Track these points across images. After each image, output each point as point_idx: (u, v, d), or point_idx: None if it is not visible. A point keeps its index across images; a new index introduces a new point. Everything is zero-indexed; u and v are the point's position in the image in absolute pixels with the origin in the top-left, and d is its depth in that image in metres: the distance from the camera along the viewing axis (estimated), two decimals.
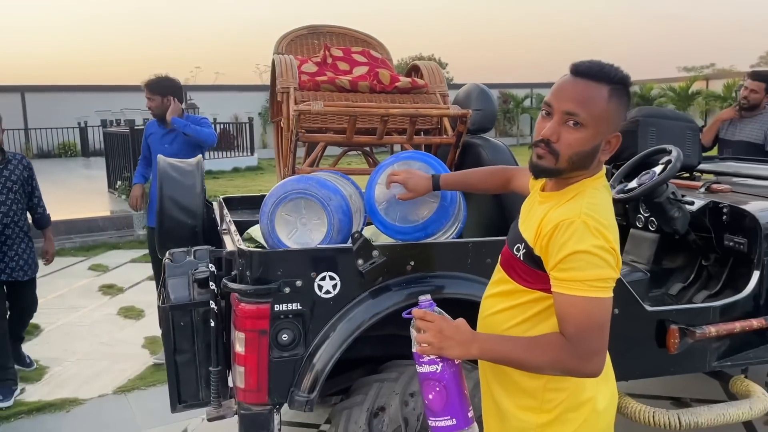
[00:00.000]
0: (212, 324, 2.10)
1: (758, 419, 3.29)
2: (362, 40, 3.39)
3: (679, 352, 2.40)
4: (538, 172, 1.43)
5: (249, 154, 16.38)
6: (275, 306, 1.96)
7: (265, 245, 2.20)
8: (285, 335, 1.99)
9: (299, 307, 1.99)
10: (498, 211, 2.52)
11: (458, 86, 3.05)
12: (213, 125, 4.84)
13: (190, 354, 2.16)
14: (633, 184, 2.79)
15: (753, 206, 2.71)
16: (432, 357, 1.45)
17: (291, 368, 2.02)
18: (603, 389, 1.50)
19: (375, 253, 2.00)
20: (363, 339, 2.09)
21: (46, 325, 4.80)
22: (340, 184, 2.30)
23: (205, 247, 2.33)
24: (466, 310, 1.68)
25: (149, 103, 4.15)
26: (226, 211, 2.75)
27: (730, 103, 4.80)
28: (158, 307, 2.25)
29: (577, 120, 1.35)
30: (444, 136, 2.79)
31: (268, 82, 3.48)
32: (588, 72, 1.36)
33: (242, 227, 2.76)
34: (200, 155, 3.45)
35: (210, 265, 2.13)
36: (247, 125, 16.83)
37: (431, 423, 1.49)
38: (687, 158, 3.20)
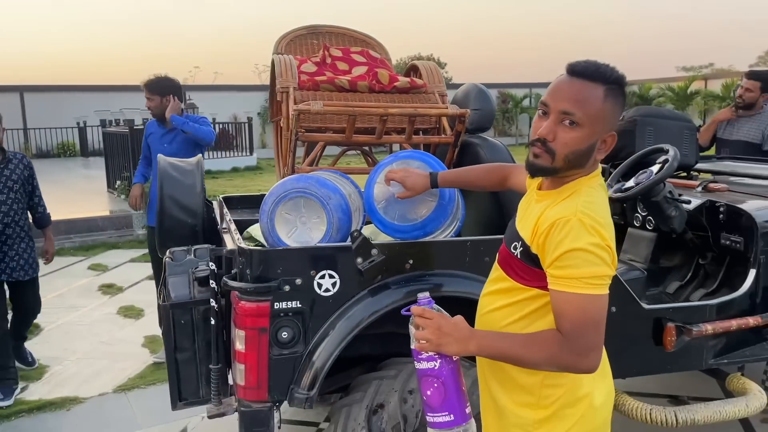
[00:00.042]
0: (212, 322, 2.11)
1: (755, 417, 3.32)
2: (361, 40, 3.41)
3: (675, 349, 2.41)
4: (534, 171, 1.45)
5: (248, 154, 16.38)
6: (275, 304, 1.98)
7: (265, 244, 2.22)
8: (285, 333, 2.00)
9: (299, 305, 2.01)
10: (496, 210, 2.54)
11: (457, 86, 3.07)
12: (212, 125, 4.86)
13: (191, 352, 2.17)
14: (630, 183, 2.80)
15: (749, 205, 2.73)
16: (430, 354, 1.47)
17: (291, 366, 2.03)
18: (600, 385, 1.51)
19: (374, 251, 2.01)
20: (362, 337, 2.10)
21: (46, 324, 4.81)
22: (340, 183, 2.31)
23: (206, 245, 2.34)
24: (465, 308, 1.69)
25: (148, 103, 4.17)
26: (226, 210, 2.77)
27: (728, 103, 4.81)
28: (159, 305, 2.27)
29: (573, 119, 1.36)
30: (442, 136, 2.81)
31: (267, 82, 3.50)
32: (584, 72, 1.38)
33: (242, 226, 2.78)
34: (200, 155, 3.46)
35: (210, 263, 2.14)
36: (246, 125, 16.83)
37: (429, 419, 1.51)
38: (684, 157, 3.21)
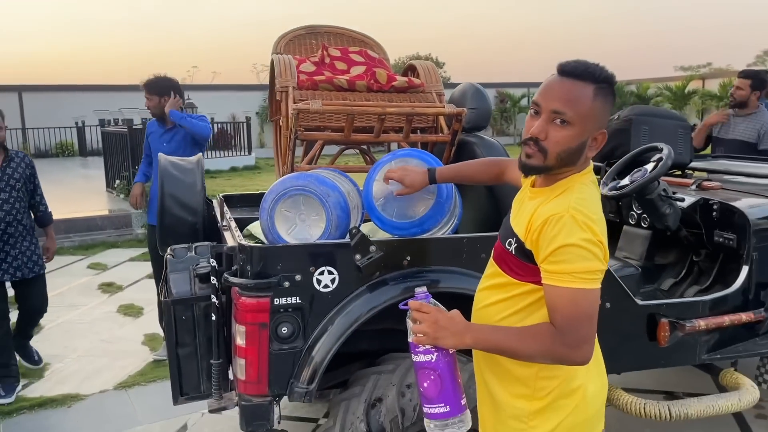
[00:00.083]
0: (213, 318, 2.14)
1: (749, 412, 3.36)
2: (359, 40, 3.44)
3: (669, 345, 2.45)
4: (527, 170, 1.49)
5: (246, 153, 16.41)
6: (275, 300, 2.01)
7: (265, 241, 2.25)
8: (285, 328, 2.04)
9: (298, 301, 2.04)
10: (492, 208, 2.58)
11: (455, 85, 3.10)
12: (211, 124, 4.89)
13: (192, 347, 2.20)
14: (625, 181, 2.84)
15: (742, 203, 2.78)
16: (427, 347, 1.50)
17: (291, 360, 2.07)
18: (593, 377, 1.55)
19: (372, 248, 2.05)
20: (361, 333, 2.13)
21: (46, 322, 4.83)
22: (338, 181, 2.35)
23: (206, 243, 2.38)
24: (462, 303, 1.73)
25: (148, 102, 4.22)
26: (226, 208, 2.80)
27: (726, 103, 4.87)
28: (161, 301, 2.30)
29: (564, 118, 1.40)
30: (440, 134, 2.84)
31: (265, 82, 3.53)
32: (574, 72, 1.42)
33: (242, 224, 2.81)
34: (200, 153, 3.50)
35: (211, 260, 2.18)
36: (245, 125, 16.85)
37: (426, 410, 1.54)
38: (679, 156, 3.25)
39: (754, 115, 4.58)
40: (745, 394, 2.56)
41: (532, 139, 1.43)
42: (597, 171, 3.52)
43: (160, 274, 3.60)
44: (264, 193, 2.24)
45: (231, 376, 2.28)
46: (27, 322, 3.95)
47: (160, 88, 4.17)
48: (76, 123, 18.47)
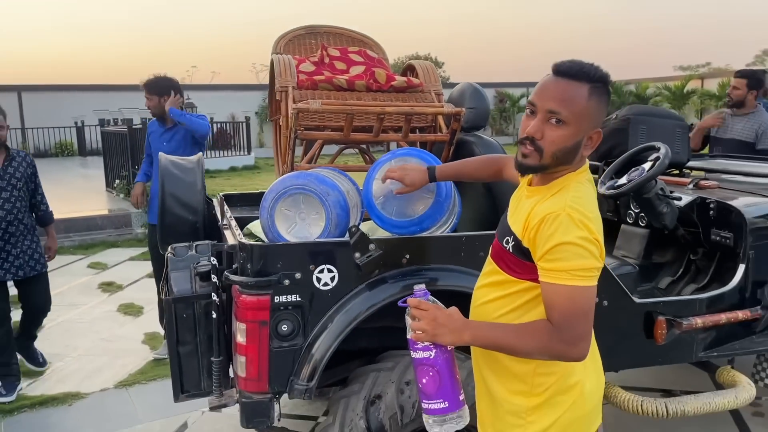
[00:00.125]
0: (214, 316, 2.16)
1: (746, 410, 3.38)
2: (359, 40, 3.46)
3: (666, 342, 2.47)
4: (524, 170, 1.51)
5: (246, 153, 16.41)
6: (275, 297, 2.03)
7: (265, 240, 2.27)
8: (285, 326, 2.05)
9: (298, 299, 2.06)
10: (491, 206, 2.59)
11: (454, 85, 3.12)
12: (210, 123, 4.91)
13: (193, 345, 2.22)
14: (623, 180, 2.86)
15: (739, 202, 2.79)
16: (426, 343, 1.52)
17: (290, 358, 2.08)
18: (590, 373, 1.57)
19: (371, 246, 2.06)
20: (360, 331, 2.15)
21: (46, 321, 4.79)
22: (338, 180, 2.36)
23: (207, 242, 2.39)
24: (461, 301, 1.74)
25: (148, 102, 4.24)
26: (226, 207, 2.82)
27: (724, 102, 4.91)
28: (161, 299, 2.32)
29: (560, 118, 1.42)
30: (438, 134, 2.86)
31: (264, 82, 3.55)
32: (569, 71, 1.43)
33: (242, 223, 2.83)
34: (200, 153, 3.51)
35: (212, 258, 2.19)
36: (244, 124, 16.85)
37: (425, 405, 1.56)
38: (676, 155, 3.27)
39: (752, 115, 4.60)
40: (742, 391, 2.58)
41: (528, 139, 1.45)
42: (595, 170, 3.55)
43: (160, 273, 3.61)
44: (264, 193, 2.26)
45: (231, 374, 2.30)
46: (30, 322, 3.94)
47: (160, 88, 4.19)
48: (76, 123, 18.47)
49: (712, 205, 2.83)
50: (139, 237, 7.99)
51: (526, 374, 1.54)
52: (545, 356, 1.45)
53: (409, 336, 1.55)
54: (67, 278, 6.21)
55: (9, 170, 3.63)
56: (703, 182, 3.14)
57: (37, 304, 3.88)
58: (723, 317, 2.56)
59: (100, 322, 5.00)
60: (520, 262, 1.50)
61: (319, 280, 2.08)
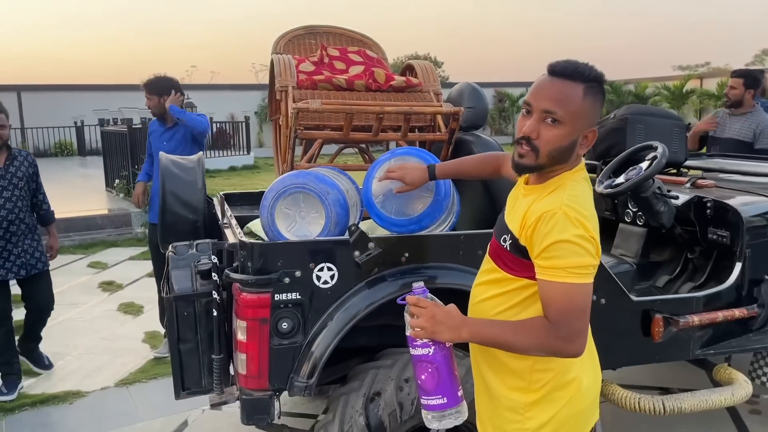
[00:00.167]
0: (215, 313, 2.18)
1: (744, 408, 3.40)
2: (358, 40, 3.47)
3: (663, 340, 2.49)
4: (520, 170, 1.53)
5: (245, 153, 16.41)
6: (275, 295, 2.05)
7: (265, 238, 2.29)
8: (285, 323, 2.07)
9: (298, 297, 2.08)
10: (489, 205, 2.61)
11: (454, 84, 3.13)
12: (210, 123, 4.93)
13: (193, 343, 2.24)
14: (620, 179, 2.88)
15: (736, 201, 2.82)
16: (425, 340, 1.54)
17: (291, 355, 2.10)
18: (587, 370, 1.59)
19: (371, 245, 2.08)
20: (359, 329, 2.17)
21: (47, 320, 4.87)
22: (337, 179, 2.38)
23: (207, 240, 2.41)
24: (459, 299, 1.76)
25: (148, 102, 4.27)
26: (226, 206, 2.84)
27: (723, 102, 4.95)
28: (163, 298, 2.33)
29: (555, 117, 1.44)
30: (437, 133, 2.88)
31: (263, 81, 3.56)
32: (563, 72, 1.45)
33: (242, 222, 2.84)
34: (201, 152, 3.53)
35: (212, 257, 2.21)
36: (244, 124, 16.85)
37: (424, 401, 1.58)
38: (674, 155, 3.30)
39: (750, 114, 4.61)
40: (738, 388, 2.60)
41: (525, 139, 1.47)
42: (593, 169, 3.57)
43: (161, 272, 3.62)
44: (264, 192, 2.28)
45: (232, 371, 2.32)
46: (34, 321, 3.92)
47: (160, 88, 4.22)
48: (75, 123, 18.48)
49: (709, 204, 2.85)
50: (139, 236, 8.01)
51: (524, 370, 1.55)
52: (542, 352, 1.47)
53: (408, 333, 1.57)
54: (67, 277, 6.22)
55: (11, 170, 3.64)
56: (700, 181, 3.16)
57: (41, 303, 3.87)
58: (720, 315, 2.58)
59: (100, 321, 5.02)
60: (518, 260, 1.51)
61: (318, 278, 2.09)
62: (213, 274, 2.18)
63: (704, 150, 4.87)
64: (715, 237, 2.83)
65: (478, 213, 2.74)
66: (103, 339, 4.63)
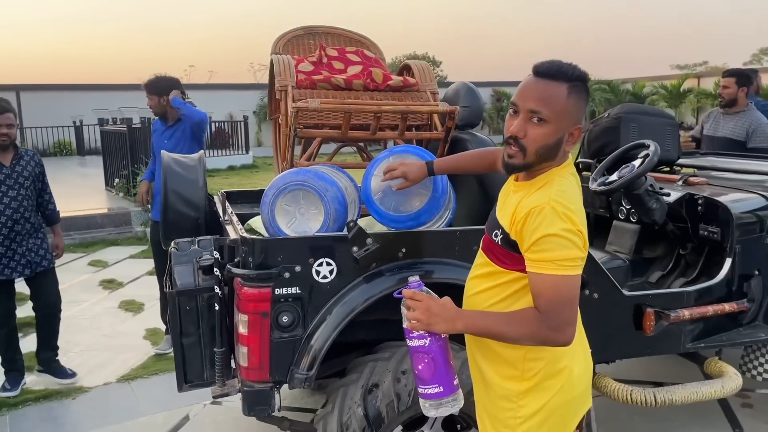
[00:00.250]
0: (216, 308, 2.23)
1: (735, 402, 3.46)
2: (356, 41, 3.52)
3: (654, 334, 2.55)
4: (510, 169, 1.59)
5: (244, 152, 16.44)
6: (276, 290, 2.10)
7: (266, 234, 2.34)
8: (285, 317, 2.13)
9: (298, 291, 2.13)
10: (484, 202, 2.66)
11: (451, 84, 3.19)
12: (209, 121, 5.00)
13: (196, 337, 2.28)
14: (614, 177, 2.94)
15: (726, 198, 2.87)
16: (421, 332, 1.60)
17: (291, 348, 2.15)
18: (578, 359, 1.64)
19: (369, 240, 2.14)
20: (358, 323, 2.23)
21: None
22: (336, 176, 2.44)
23: (209, 237, 2.46)
24: (456, 293, 1.81)
25: (149, 102, 4.33)
26: (227, 203, 2.89)
27: (718, 102, 5.03)
28: (165, 294, 2.38)
29: (541, 116, 1.49)
30: (434, 132, 2.93)
31: (262, 81, 3.61)
32: (548, 72, 1.51)
33: (242, 219, 2.89)
34: (202, 151, 3.59)
35: (214, 252, 2.26)
36: (242, 123, 16.89)
37: (421, 391, 1.64)
38: (666, 153, 3.35)
39: (743, 113, 4.67)
40: (729, 381, 2.66)
41: (513, 138, 1.53)
42: (588, 167, 3.63)
43: (162, 270, 3.67)
44: (263, 190, 2.33)
45: (233, 365, 2.37)
46: (44, 322, 3.85)
47: (160, 88, 4.28)
48: (74, 122, 18.51)
49: (700, 201, 2.91)
50: (139, 235, 8.06)
51: (517, 359, 1.61)
52: (533, 342, 1.53)
53: (405, 325, 1.63)
54: (68, 276, 6.26)
55: (17, 169, 3.64)
56: (692, 179, 3.22)
57: (48, 301, 3.83)
58: (710, 309, 2.64)
59: (101, 318, 5.07)
60: (509, 253, 1.57)
61: (318, 273, 2.15)
62: (215, 269, 2.23)
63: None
64: (706, 233, 2.89)
65: (473, 210, 2.79)
66: (104, 336, 4.69)
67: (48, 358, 3.89)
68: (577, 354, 1.64)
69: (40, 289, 3.81)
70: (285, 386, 2.32)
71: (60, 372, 3.90)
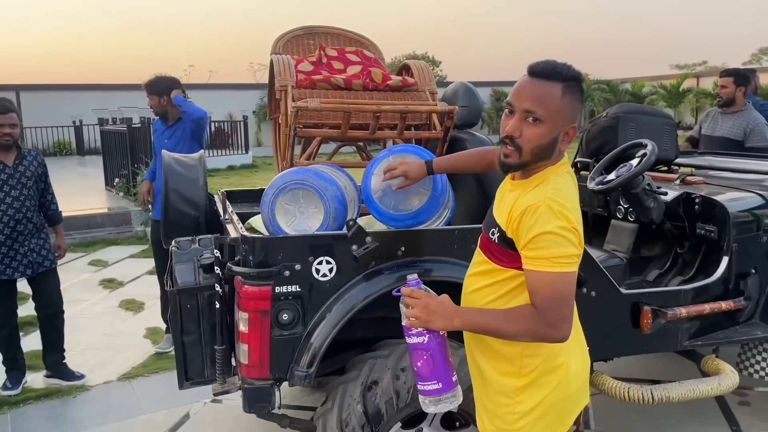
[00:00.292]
0: (217, 306, 2.25)
1: (733, 399, 3.48)
2: (356, 41, 3.54)
3: (652, 332, 2.57)
4: (506, 169, 1.61)
5: (244, 152, 16.45)
6: (276, 288, 2.12)
7: (266, 233, 2.36)
8: (285, 315, 2.14)
9: (298, 289, 2.15)
10: (482, 201, 2.68)
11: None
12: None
13: (196, 334, 2.30)
14: (611, 176, 2.96)
15: (723, 197, 2.89)
16: (419, 329, 1.62)
17: (291, 346, 2.17)
18: (575, 356, 1.66)
19: (368, 239, 2.16)
20: (357, 321, 2.24)
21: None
22: (336, 175, 2.45)
23: (209, 235, 2.48)
24: (454, 291, 1.82)
25: (149, 102, 4.35)
26: (228, 202, 2.91)
27: (717, 102, 5.07)
28: (166, 292, 2.40)
29: (536, 116, 1.51)
30: (433, 131, 2.95)
31: (261, 81, 3.63)
32: (542, 72, 1.53)
33: (242, 219, 2.91)
34: (202, 150, 3.61)
35: (215, 251, 2.28)
36: (242, 123, 16.89)
37: (420, 387, 1.66)
38: (664, 152, 3.37)
39: (741, 113, 4.69)
40: (725, 378, 2.68)
41: (508, 138, 1.55)
42: (586, 167, 3.65)
43: (163, 269, 3.68)
44: (263, 189, 2.35)
45: (234, 362, 2.39)
46: (48, 324, 3.83)
47: (160, 88, 4.30)
48: (74, 122, 18.52)
49: (697, 200, 2.93)
50: (139, 235, 8.08)
51: (514, 356, 1.63)
52: (530, 338, 1.54)
53: (403, 323, 1.65)
54: (69, 275, 6.27)
55: (20, 169, 3.64)
56: (689, 178, 3.24)
57: (50, 301, 3.82)
58: (707, 307, 2.66)
59: (102, 317, 5.09)
60: (506, 251, 1.59)
61: (318, 271, 2.17)
62: (215, 267, 2.25)
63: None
64: (703, 232, 2.91)
65: (471, 208, 2.81)
66: (105, 335, 4.70)
67: (55, 361, 3.88)
68: (574, 351, 1.66)
69: (41, 289, 3.80)
70: (285, 385, 2.33)
71: (68, 375, 3.89)
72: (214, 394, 2.39)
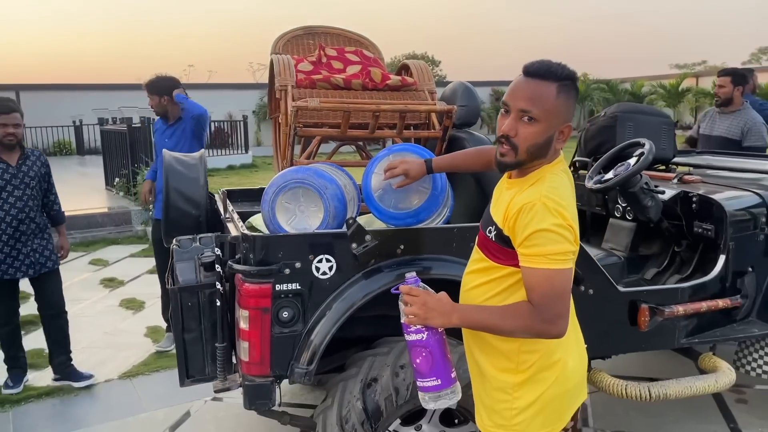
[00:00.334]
0: (218, 304, 2.27)
1: (730, 397, 3.50)
2: (355, 40, 3.56)
3: (649, 329, 2.59)
4: (502, 168, 1.63)
5: (243, 151, 16.45)
6: (276, 286, 2.14)
7: (266, 232, 2.38)
8: (285, 313, 2.16)
9: (298, 287, 2.17)
10: (481, 200, 2.70)
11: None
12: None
13: (197, 332, 2.32)
14: (609, 175, 2.97)
15: (720, 195, 2.91)
16: (418, 326, 1.64)
17: (291, 343, 2.19)
18: (572, 352, 1.68)
19: (368, 237, 2.18)
20: (357, 319, 2.26)
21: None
22: (336, 174, 2.47)
23: (210, 234, 2.50)
24: (453, 289, 1.84)
25: (150, 101, 4.37)
26: (228, 201, 2.92)
27: (715, 102, 5.10)
28: (167, 290, 2.42)
29: (531, 116, 1.53)
30: (432, 130, 2.97)
31: (261, 80, 3.64)
32: (537, 72, 1.55)
33: (243, 218, 2.92)
34: (203, 150, 3.63)
35: (216, 249, 2.30)
36: (242, 123, 16.89)
37: (419, 384, 1.68)
38: (661, 151, 3.39)
39: (739, 113, 4.71)
40: (722, 376, 2.70)
41: (504, 137, 1.57)
42: (584, 166, 3.67)
43: (164, 268, 3.70)
44: (264, 188, 2.37)
45: (234, 360, 2.41)
46: (51, 325, 3.82)
47: (158, 88, 4.32)
48: (74, 122, 18.53)
49: (694, 199, 2.95)
50: (139, 234, 8.10)
51: (512, 352, 1.65)
52: (527, 334, 1.56)
53: (402, 320, 1.67)
54: (69, 274, 6.28)
55: (23, 169, 3.64)
56: (687, 177, 3.25)
57: (51, 302, 3.80)
58: (704, 305, 2.68)
59: (102, 316, 5.11)
60: (502, 249, 1.61)
61: (318, 269, 2.19)
62: (216, 266, 2.27)
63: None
64: (700, 230, 2.93)
65: (470, 207, 2.83)
66: (105, 334, 4.72)
67: (62, 363, 3.86)
68: (571, 347, 1.68)
69: (43, 290, 3.79)
70: (285, 383, 2.35)
71: (77, 376, 3.86)
72: (215, 391, 2.41)
